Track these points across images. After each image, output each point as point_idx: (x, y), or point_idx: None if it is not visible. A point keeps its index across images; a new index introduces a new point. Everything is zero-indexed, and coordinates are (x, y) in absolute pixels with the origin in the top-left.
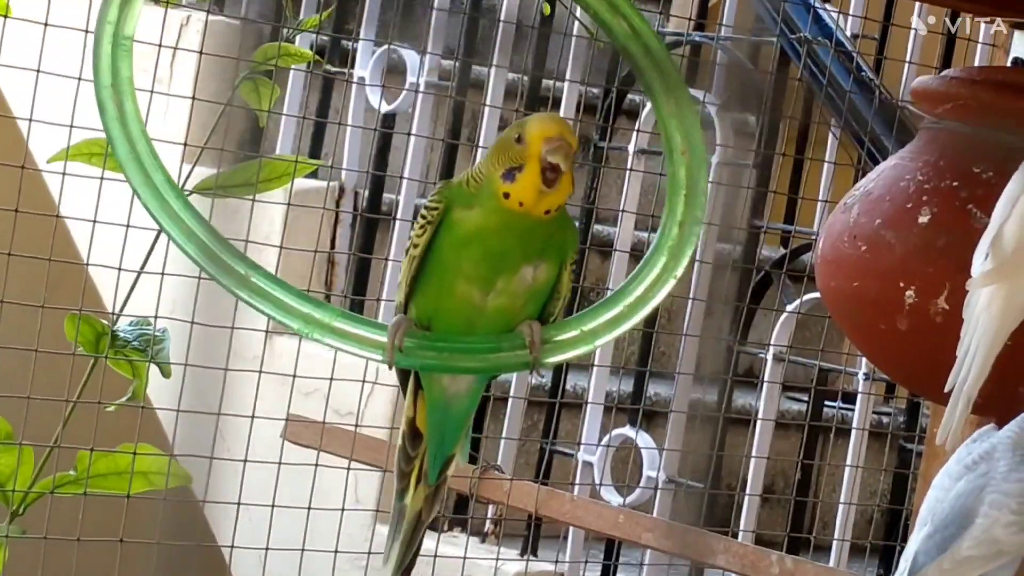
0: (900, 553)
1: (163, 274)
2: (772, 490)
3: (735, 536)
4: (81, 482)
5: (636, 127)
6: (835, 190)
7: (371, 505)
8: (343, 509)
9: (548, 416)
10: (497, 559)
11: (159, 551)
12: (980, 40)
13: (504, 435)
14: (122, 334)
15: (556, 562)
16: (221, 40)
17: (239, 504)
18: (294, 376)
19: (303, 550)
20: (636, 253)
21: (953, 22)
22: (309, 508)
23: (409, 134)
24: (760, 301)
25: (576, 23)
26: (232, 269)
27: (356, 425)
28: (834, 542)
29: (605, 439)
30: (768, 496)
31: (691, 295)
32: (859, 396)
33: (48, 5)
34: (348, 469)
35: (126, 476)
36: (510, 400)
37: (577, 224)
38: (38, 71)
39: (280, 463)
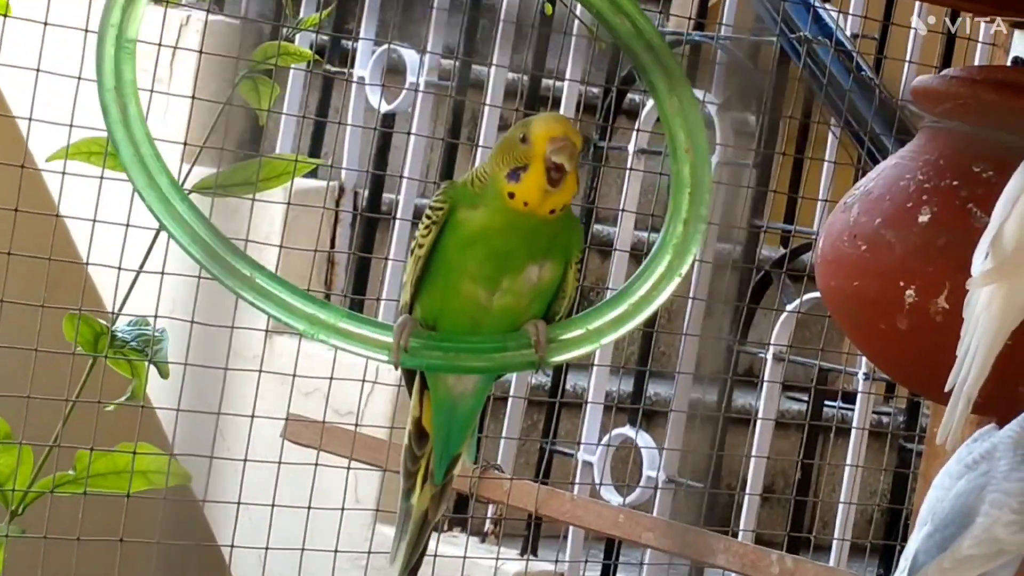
0: (900, 553)
1: (163, 273)
2: (772, 490)
3: (735, 536)
4: (80, 482)
5: (636, 127)
6: (835, 189)
7: (371, 505)
8: (343, 509)
9: (548, 416)
10: (497, 559)
11: (159, 550)
12: (980, 39)
13: (504, 435)
14: (120, 334)
15: (556, 561)
16: (221, 39)
17: (239, 504)
18: (294, 376)
19: (303, 549)
20: (636, 253)
21: (953, 22)
22: (309, 508)
23: (409, 133)
24: (760, 301)
25: (576, 22)
26: (236, 271)
27: (356, 425)
28: (834, 542)
29: (605, 439)
30: (768, 496)
31: (691, 295)
32: (859, 396)
33: (48, 4)
34: (348, 469)
35: (126, 475)
36: (510, 400)
37: None
38: (38, 70)
39: (280, 462)
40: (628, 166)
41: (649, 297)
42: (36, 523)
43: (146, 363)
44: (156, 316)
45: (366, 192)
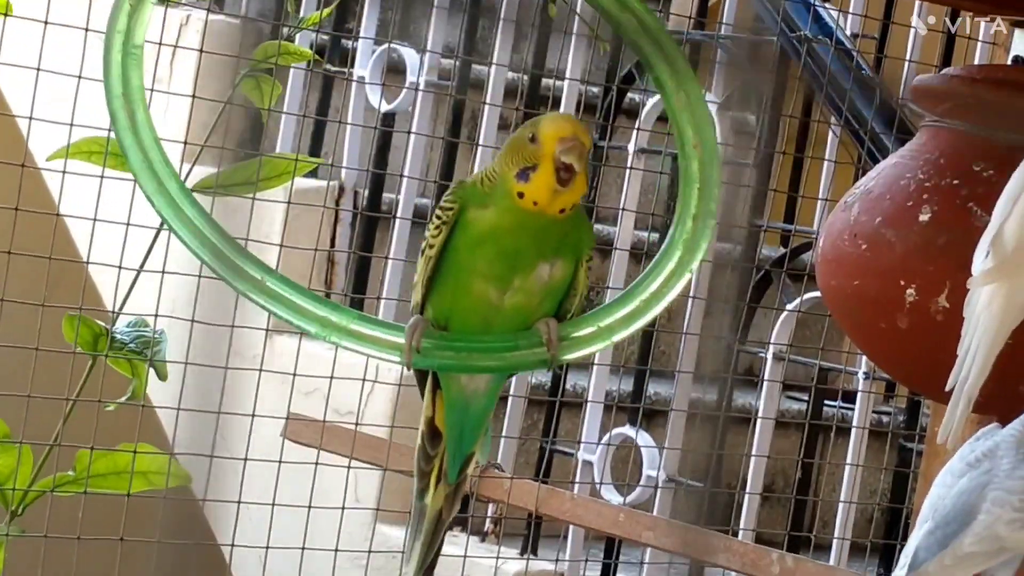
0: (900, 552)
1: (163, 272)
2: (772, 489)
3: (735, 535)
4: (81, 481)
5: (636, 126)
6: (835, 189)
7: (371, 504)
8: (343, 508)
9: (548, 415)
10: (497, 558)
11: (159, 550)
12: (980, 39)
13: (504, 434)
14: (119, 336)
15: (556, 561)
16: (221, 39)
17: (239, 503)
18: (294, 375)
19: (303, 549)
20: (636, 252)
21: (953, 21)
22: (309, 507)
23: (409, 133)
24: (760, 300)
25: (576, 22)
26: (247, 274)
27: (356, 424)
28: (834, 541)
29: (605, 438)
30: (768, 495)
31: (691, 294)
32: (859, 395)
33: (48, 4)
34: (348, 468)
35: (126, 475)
36: (510, 399)
37: None
38: (38, 69)
39: (280, 462)
40: (628, 165)
41: (660, 293)
42: (36, 523)
43: (146, 364)
44: (156, 315)
45: (366, 191)
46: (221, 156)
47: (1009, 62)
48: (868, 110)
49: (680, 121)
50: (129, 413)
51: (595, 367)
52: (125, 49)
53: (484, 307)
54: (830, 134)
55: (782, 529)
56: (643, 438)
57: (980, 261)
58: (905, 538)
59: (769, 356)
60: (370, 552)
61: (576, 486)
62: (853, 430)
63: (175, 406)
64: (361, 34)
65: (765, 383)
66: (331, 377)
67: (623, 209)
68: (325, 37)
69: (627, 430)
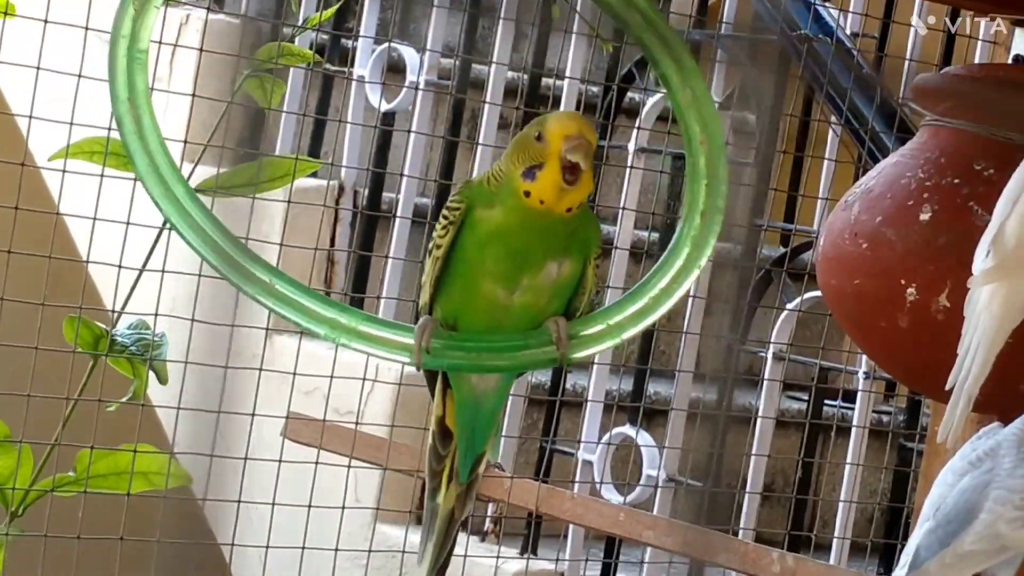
0: (901, 551)
1: (163, 272)
2: (772, 488)
3: (735, 534)
4: (81, 482)
5: (636, 125)
6: (835, 188)
7: (371, 503)
8: (343, 507)
9: (548, 415)
10: (497, 558)
11: (159, 550)
12: (981, 38)
13: (504, 433)
14: (120, 338)
15: (556, 560)
16: (221, 38)
17: (239, 503)
18: (294, 374)
19: (303, 548)
20: (636, 251)
21: (953, 21)
22: (309, 507)
23: (409, 132)
24: (760, 300)
25: (576, 21)
26: (255, 277)
27: (356, 423)
28: (834, 540)
29: (605, 437)
30: (769, 494)
31: (692, 293)
32: (859, 394)
33: (48, 3)
34: (348, 467)
35: (126, 476)
36: (510, 398)
37: None
38: (38, 69)
39: (280, 461)
40: (628, 165)
41: (669, 290)
42: (36, 523)
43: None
44: (156, 315)
45: (366, 191)
46: (221, 156)
47: (1010, 61)
48: (868, 109)
49: (687, 117)
50: (129, 413)
51: (595, 366)
52: (130, 54)
53: (493, 306)
54: (830, 133)
55: (782, 528)
56: (643, 438)
57: (981, 260)
58: (905, 538)
59: (769, 356)
60: (370, 552)
61: (576, 486)
62: (853, 430)
63: (175, 406)
64: (361, 33)
65: (765, 383)
66: (331, 376)
67: (623, 208)
68: (325, 36)
69: (627, 429)
